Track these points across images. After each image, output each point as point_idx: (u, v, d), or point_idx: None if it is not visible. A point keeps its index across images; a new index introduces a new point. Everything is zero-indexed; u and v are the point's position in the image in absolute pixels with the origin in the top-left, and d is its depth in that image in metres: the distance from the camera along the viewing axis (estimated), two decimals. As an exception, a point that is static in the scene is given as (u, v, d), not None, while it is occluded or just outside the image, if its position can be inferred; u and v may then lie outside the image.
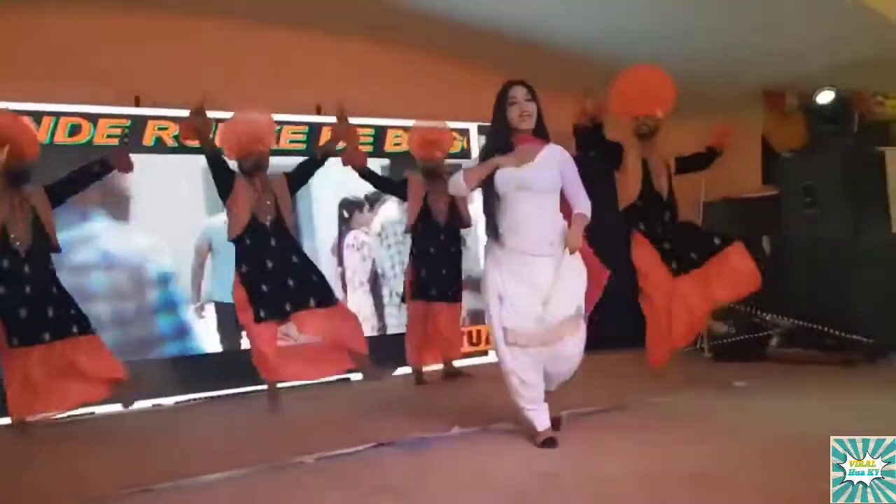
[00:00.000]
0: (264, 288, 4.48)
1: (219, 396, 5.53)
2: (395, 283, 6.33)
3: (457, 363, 5.74)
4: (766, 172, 7.16)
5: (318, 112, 6.19)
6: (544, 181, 3.28)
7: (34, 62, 5.21)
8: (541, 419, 3.31)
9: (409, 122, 6.36)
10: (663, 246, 4.75)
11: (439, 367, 5.67)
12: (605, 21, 5.95)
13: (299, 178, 4.80)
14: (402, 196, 5.56)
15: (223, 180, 4.58)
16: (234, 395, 5.52)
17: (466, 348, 6.37)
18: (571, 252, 3.20)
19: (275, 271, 4.51)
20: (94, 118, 5.38)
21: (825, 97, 5.74)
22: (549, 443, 3.25)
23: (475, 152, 6.91)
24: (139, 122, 5.54)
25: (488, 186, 3.32)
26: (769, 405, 4.08)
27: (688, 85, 5.02)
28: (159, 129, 5.56)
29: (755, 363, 5.50)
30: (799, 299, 5.59)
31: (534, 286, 3.22)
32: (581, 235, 3.21)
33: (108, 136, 5.39)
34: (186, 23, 5.73)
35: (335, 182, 5.93)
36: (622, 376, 5.19)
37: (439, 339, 5.45)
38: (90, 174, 4.52)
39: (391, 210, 6.42)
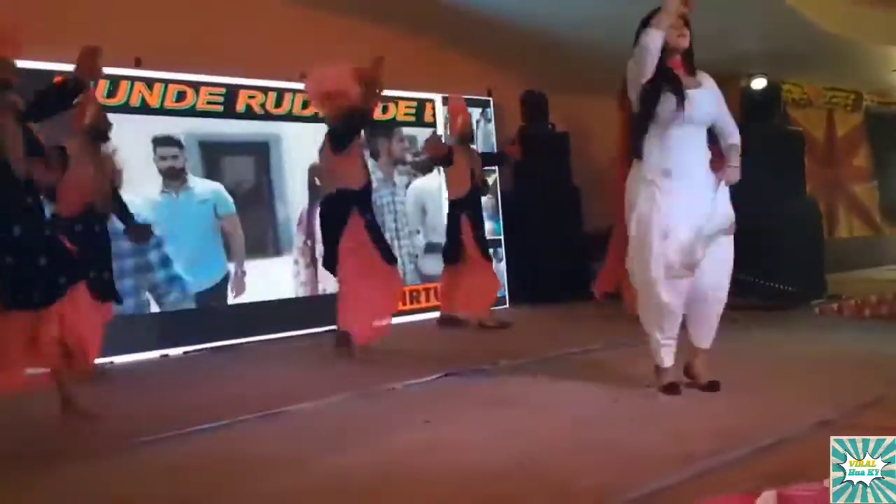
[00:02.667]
0: None
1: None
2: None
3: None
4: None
5: (303, 78, 6.50)
6: (710, 116, 3.29)
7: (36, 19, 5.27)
8: (669, 356, 3.38)
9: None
10: None
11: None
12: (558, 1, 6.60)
13: None
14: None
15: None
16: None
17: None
18: (731, 184, 3.33)
19: None
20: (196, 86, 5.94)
21: (758, 83, 6.69)
22: (672, 389, 3.33)
23: (440, 121, 7.46)
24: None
25: (646, 110, 3.22)
26: (727, 339, 4.94)
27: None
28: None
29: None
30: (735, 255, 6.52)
31: (697, 218, 3.21)
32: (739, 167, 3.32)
33: (209, 103, 6.05)
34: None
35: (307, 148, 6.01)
36: (601, 320, 5.89)
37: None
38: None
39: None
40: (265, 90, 6.39)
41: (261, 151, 6.41)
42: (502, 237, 7.84)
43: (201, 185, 6.05)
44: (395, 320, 5.10)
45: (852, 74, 9.49)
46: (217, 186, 6.13)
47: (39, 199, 3.46)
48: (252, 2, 6.34)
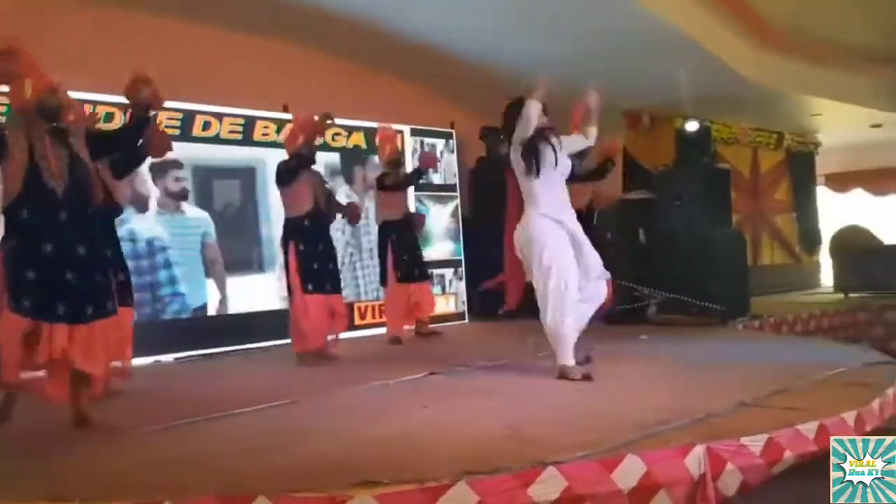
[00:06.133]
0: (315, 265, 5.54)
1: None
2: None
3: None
4: (626, 182, 9.02)
5: (285, 110, 7.12)
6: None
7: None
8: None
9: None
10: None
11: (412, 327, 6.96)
12: (516, 45, 7.35)
13: None
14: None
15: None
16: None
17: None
18: None
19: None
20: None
21: (691, 126, 7.59)
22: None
23: (408, 152, 8.12)
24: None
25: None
26: (668, 346, 5.80)
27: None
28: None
29: (638, 325, 7.21)
30: (668, 277, 7.39)
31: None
32: None
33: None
34: (179, 26, 6.56)
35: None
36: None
37: (417, 308, 6.76)
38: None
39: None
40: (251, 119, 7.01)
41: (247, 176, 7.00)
42: (462, 258, 8.55)
43: (192, 211, 6.63)
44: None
45: (775, 117, 10.56)
46: (205, 214, 6.69)
47: (82, 217, 3.49)
48: (245, 40, 6.96)
